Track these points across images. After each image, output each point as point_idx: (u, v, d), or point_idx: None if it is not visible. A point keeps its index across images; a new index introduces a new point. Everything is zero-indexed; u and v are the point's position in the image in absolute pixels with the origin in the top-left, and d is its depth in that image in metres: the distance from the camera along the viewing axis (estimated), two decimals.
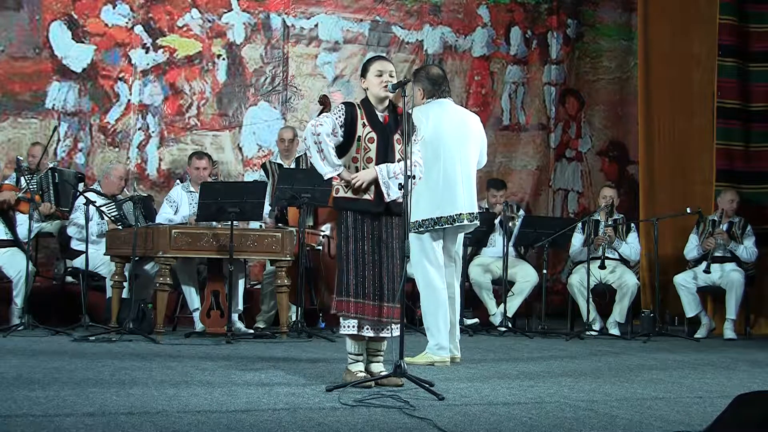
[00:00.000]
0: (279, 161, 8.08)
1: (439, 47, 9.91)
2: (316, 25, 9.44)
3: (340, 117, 4.55)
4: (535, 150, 10.27)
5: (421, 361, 5.46)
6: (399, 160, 4.54)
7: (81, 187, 7.72)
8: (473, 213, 5.60)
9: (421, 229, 5.49)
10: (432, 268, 5.52)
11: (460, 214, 5.53)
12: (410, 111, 4.71)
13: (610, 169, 10.59)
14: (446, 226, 5.52)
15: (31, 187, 7.08)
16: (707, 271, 8.16)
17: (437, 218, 5.49)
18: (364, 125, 4.55)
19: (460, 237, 5.76)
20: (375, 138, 4.54)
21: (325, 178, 4.64)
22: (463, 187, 5.56)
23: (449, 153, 5.54)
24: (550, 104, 10.36)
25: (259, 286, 8.24)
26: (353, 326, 4.50)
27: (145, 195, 7.58)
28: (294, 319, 7.20)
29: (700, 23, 9.37)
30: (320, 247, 7.71)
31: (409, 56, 9.76)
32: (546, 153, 10.34)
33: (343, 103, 4.70)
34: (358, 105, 4.62)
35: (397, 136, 4.58)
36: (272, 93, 9.25)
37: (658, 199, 9.53)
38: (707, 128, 9.17)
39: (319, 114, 7.83)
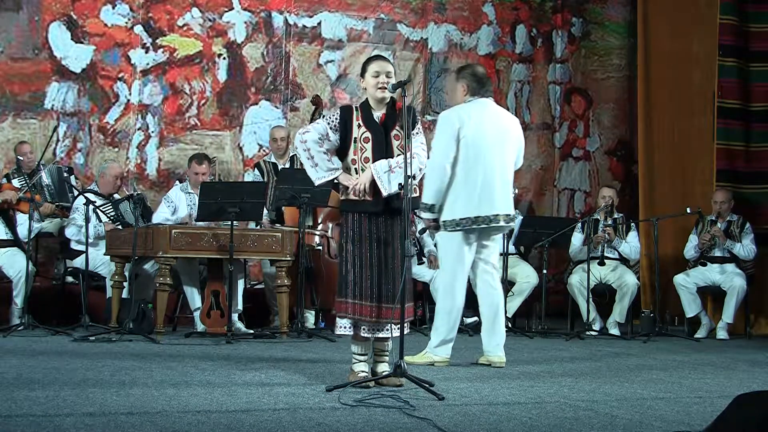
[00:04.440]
0: (273, 161, 8.08)
1: (444, 45, 9.87)
2: (319, 23, 9.42)
3: (333, 121, 4.55)
4: (539, 149, 10.25)
5: (421, 361, 5.46)
6: (398, 156, 4.54)
7: (73, 180, 7.69)
8: (510, 214, 5.59)
9: (458, 227, 5.46)
10: (458, 268, 5.51)
11: (497, 215, 5.50)
12: (413, 105, 4.71)
13: (617, 169, 10.57)
14: (483, 225, 5.49)
15: (22, 185, 7.06)
16: (703, 263, 8.19)
17: (475, 217, 5.46)
18: (359, 126, 4.54)
19: (498, 242, 5.72)
20: (370, 137, 4.54)
21: (316, 183, 4.65)
22: (500, 188, 5.54)
23: (490, 154, 5.51)
24: (555, 103, 10.34)
25: (259, 286, 8.23)
26: (348, 326, 4.51)
27: (139, 193, 7.57)
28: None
29: (700, 23, 9.36)
30: (320, 247, 7.71)
31: (413, 54, 9.75)
32: (550, 152, 10.31)
33: (341, 107, 4.71)
34: (356, 107, 4.62)
35: (395, 132, 4.56)
36: (274, 92, 9.23)
37: (658, 199, 9.53)
38: (707, 128, 9.16)
39: (313, 113, 7.86)
